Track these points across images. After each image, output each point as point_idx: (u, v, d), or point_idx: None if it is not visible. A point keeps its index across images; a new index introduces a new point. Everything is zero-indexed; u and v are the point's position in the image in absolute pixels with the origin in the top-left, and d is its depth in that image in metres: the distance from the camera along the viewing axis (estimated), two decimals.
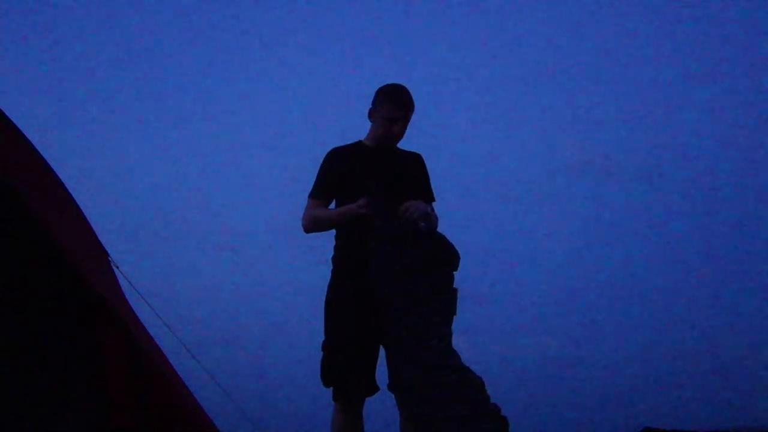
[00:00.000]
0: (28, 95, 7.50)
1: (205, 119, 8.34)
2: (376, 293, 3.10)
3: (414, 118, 3.37)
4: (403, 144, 3.43)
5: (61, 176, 2.79)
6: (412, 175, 3.41)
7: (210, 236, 7.77)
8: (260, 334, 7.08)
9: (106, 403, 2.69)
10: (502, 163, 8.28)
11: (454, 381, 2.97)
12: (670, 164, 8.27)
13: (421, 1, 8.67)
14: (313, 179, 3.41)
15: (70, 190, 2.82)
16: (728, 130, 8.25)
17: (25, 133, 2.69)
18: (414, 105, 3.34)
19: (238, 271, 7.69)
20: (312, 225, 3.36)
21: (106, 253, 2.92)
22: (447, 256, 3.16)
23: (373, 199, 3.14)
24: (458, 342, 3.10)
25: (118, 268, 2.94)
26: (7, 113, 2.63)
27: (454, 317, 3.13)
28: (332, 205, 3.38)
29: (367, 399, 3.24)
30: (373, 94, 3.39)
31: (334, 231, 3.38)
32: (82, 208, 2.85)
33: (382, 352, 3.23)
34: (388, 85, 3.38)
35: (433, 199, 3.45)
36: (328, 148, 3.43)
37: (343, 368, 3.19)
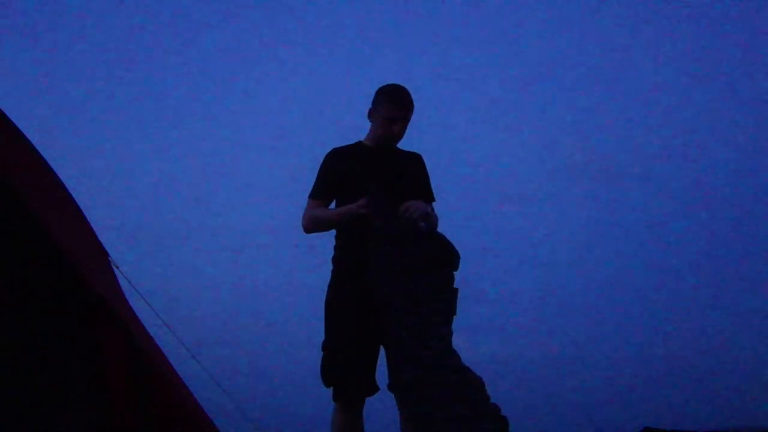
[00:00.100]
0: (28, 95, 7.50)
1: (205, 119, 8.34)
2: (376, 293, 3.10)
3: (414, 118, 3.37)
4: (403, 144, 3.44)
5: (61, 176, 2.79)
6: (412, 175, 3.41)
7: (210, 236, 7.77)
8: (260, 334, 7.08)
9: (106, 403, 2.69)
10: (502, 163, 8.27)
11: (454, 381, 2.98)
12: (670, 164, 8.27)
13: (421, 1, 8.67)
14: (313, 179, 3.41)
15: (70, 190, 2.82)
16: (728, 130, 8.25)
17: (25, 133, 2.69)
18: (414, 105, 3.34)
19: (238, 271, 7.69)
20: (312, 225, 3.37)
21: (106, 253, 2.92)
22: (447, 256, 3.16)
23: (373, 199, 3.14)
24: (458, 342, 3.10)
25: (118, 268, 2.94)
26: (7, 113, 2.63)
27: (454, 317, 3.14)
28: (332, 206, 3.38)
29: (367, 399, 3.24)
30: (373, 94, 3.39)
31: (334, 231, 3.38)
32: (82, 208, 2.85)
33: (382, 352, 3.24)
34: (387, 85, 3.38)
35: (433, 199, 3.45)
36: (328, 149, 3.44)
37: (343, 368, 3.19)
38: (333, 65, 8.64)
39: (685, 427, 5.33)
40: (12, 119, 2.64)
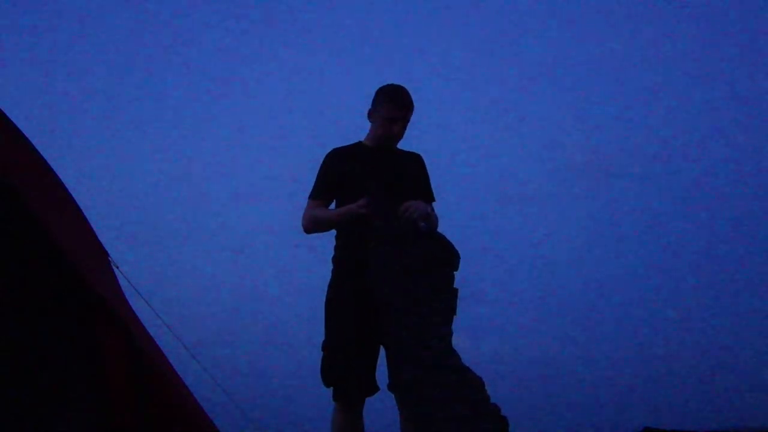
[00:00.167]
0: (28, 95, 7.50)
1: (205, 119, 8.34)
2: (376, 293, 3.10)
3: (414, 118, 3.37)
4: (403, 144, 3.44)
5: (61, 176, 2.79)
6: (412, 175, 3.42)
7: (210, 236, 7.76)
8: (260, 334, 7.08)
9: (106, 403, 2.69)
10: (502, 163, 8.27)
11: (454, 381, 2.98)
12: (669, 164, 8.27)
13: (421, 1, 8.67)
14: (313, 180, 3.41)
15: (70, 190, 2.82)
16: (728, 130, 8.25)
17: (25, 133, 2.69)
18: (413, 105, 3.34)
19: (238, 271, 7.69)
20: (312, 225, 3.37)
21: (106, 253, 2.92)
22: (447, 256, 3.16)
23: (373, 199, 3.15)
24: (458, 342, 3.10)
25: (118, 268, 2.94)
26: (7, 113, 2.63)
27: (454, 317, 3.14)
28: (332, 206, 3.39)
29: (367, 399, 3.24)
30: (373, 95, 3.39)
31: (334, 231, 3.38)
32: (82, 208, 2.85)
33: (382, 352, 3.24)
34: (387, 85, 3.38)
35: (433, 199, 3.45)
36: (328, 149, 3.44)
37: (343, 368, 3.19)
38: (333, 65, 8.64)
39: (685, 427, 5.33)
40: (12, 119, 2.64)
